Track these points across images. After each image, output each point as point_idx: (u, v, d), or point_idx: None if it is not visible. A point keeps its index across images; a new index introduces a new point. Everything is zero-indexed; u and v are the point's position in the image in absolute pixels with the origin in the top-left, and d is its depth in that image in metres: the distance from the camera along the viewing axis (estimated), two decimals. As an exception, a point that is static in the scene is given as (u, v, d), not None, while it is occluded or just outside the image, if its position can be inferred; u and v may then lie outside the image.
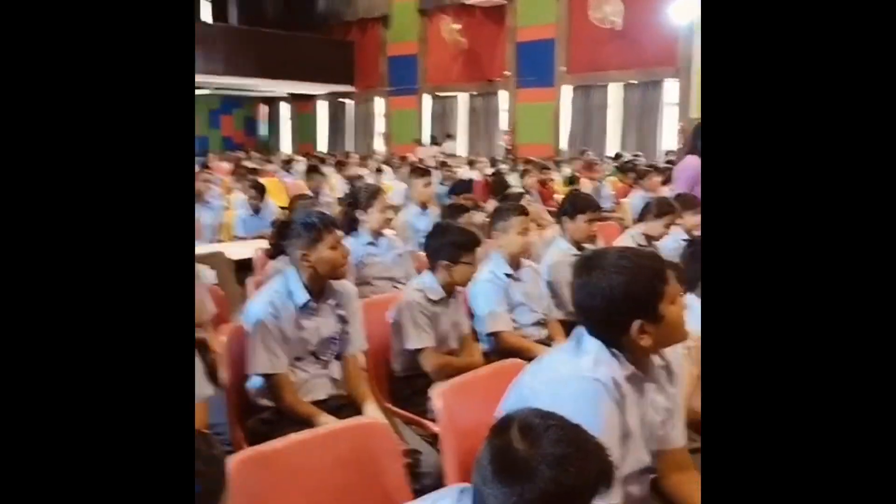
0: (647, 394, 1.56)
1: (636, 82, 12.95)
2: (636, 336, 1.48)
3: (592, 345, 1.50)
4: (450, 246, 2.54)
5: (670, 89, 12.56)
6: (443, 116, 15.99)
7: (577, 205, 3.18)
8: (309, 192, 5.84)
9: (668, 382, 1.62)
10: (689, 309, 2.28)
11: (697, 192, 4.34)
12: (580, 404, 1.28)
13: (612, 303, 1.47)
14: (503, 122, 14.82)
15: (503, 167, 9.75)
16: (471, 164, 10.65)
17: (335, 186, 7.60)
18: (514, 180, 7.02)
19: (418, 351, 2.49)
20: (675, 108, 12.43)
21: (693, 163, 4.55)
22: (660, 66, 12.39)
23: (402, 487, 1.71)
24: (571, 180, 7.51)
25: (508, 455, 1.04)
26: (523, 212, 2.95)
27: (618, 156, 11.12)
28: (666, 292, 1.49)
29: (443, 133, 15.35)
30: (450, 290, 2.59)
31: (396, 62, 16.61)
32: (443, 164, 9.56)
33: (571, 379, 1.45)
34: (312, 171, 6.83)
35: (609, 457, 1.08)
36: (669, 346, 1.59)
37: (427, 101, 16.26)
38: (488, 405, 1.59)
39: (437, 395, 1.85)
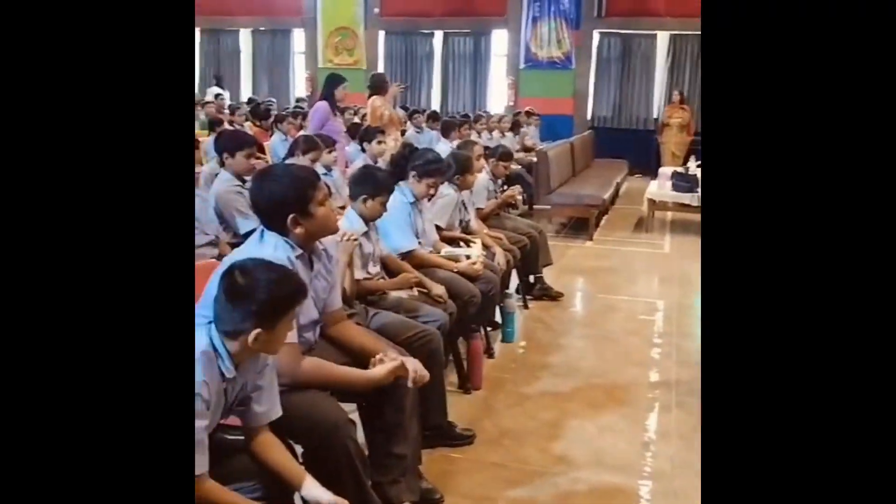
0: (315, 268, 2.22)
1: (265, 29, 13.36)
2: (292, 227, 2.04)
3: (271, 236, 2.08)
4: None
5: (298, 38, 13.23)
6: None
7: (238, 142, 3.67)
8: None
9: (327, 262, 2.30)
10: (346, 217, 2.98)
11: (327, 130, 5.15)
12: None
13: (272, 202, 2.05)
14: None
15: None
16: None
17: None
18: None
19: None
20: (303, 56, 13.17)
21: (322, 106, 5.38)
22: (288, 16, 12.97)
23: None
24: (212, 124, 7.73)
25: (235, 287, 1.60)
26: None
27: (251, 101, 11.45)
28: (315, 196, 2.07)
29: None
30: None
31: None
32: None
33: None
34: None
35: (302, 280, 1.71)
36: (323, 236, 2.20)
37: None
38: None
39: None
